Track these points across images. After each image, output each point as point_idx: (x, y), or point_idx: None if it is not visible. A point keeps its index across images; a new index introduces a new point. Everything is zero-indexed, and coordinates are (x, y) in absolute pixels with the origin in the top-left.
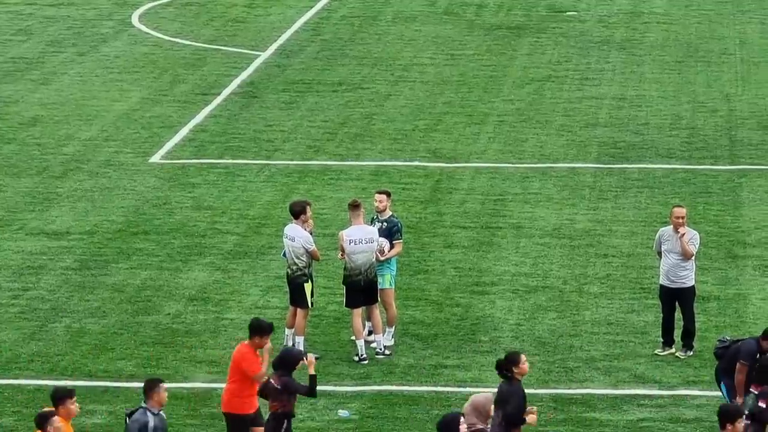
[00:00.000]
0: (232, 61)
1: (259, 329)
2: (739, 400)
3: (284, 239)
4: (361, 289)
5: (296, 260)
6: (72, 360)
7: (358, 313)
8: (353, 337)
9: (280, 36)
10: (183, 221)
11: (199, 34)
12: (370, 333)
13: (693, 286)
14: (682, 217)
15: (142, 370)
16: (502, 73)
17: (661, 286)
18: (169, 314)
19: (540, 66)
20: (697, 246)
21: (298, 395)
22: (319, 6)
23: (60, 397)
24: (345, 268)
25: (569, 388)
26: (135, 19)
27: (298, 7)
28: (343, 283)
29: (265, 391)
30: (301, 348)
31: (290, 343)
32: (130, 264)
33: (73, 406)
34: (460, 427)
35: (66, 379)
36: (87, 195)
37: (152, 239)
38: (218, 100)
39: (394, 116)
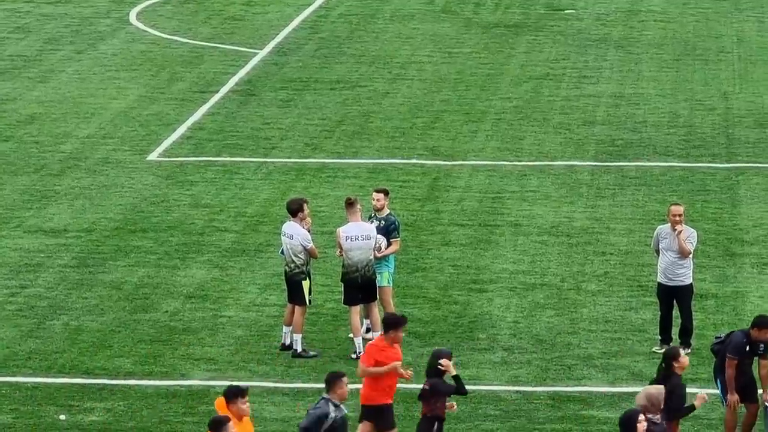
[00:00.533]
0: (230, 59)
1: (394, 323)
2: (729, 396)
3: (282, 237)
4: (359, 287)
5: (294, 258)
6: (70, 357)
7: (356, 310)
8: (351, 335)
9: (277, 34)
10: (181, 219)
11: (197, 32)
12: (368, 330)
13: (691, 284)
14: (680, 215)
15: (140, 367)
16: (499, 71)
17: (659, 284)
18: (167, 312)
19: (538, 64)
20: (694, 244)
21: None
22: (316, 4)
23: (231, 396)
24: (343, 266)
25: (567, 386)
26: (132, 17)
27: (296, 5)
28: (341, 281)
29: (421, 395)
30: (299, 346)
31: (288, 341)
32: (128, 262)
33: (245, 405)
34: (638, 425)
35: (63, 377)
36: (85, 193)
37: (150, 237)
38: (216, 98)
39: (392, 114)
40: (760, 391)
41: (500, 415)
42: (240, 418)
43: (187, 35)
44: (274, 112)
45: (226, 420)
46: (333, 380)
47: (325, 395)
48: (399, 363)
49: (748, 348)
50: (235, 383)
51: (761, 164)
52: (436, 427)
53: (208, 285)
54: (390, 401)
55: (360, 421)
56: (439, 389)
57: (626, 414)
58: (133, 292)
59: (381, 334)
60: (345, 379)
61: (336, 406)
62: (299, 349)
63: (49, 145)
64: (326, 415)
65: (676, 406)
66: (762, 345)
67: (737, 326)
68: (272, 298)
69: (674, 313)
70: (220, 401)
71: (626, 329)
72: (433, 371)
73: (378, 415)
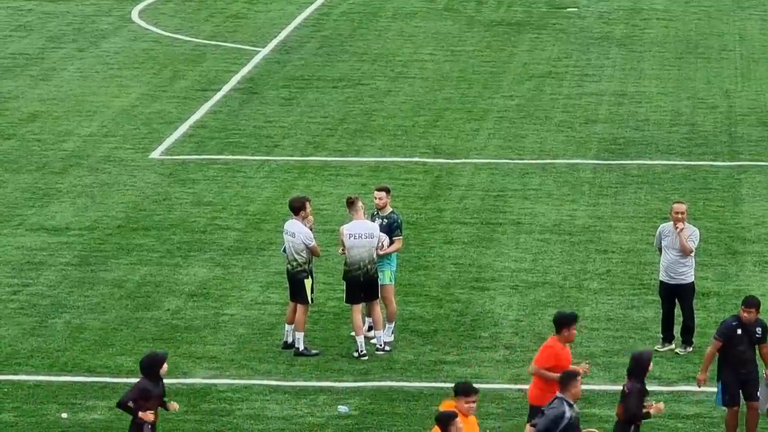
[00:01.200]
0: (232, 57)
1: (564, 321)
2: (699, 375)
3: (284, 235)
4: (361, 285)
5: (296, 256)
6: (72, 356)
7: (358, 308)
8: (353, 333)
9: (280, 32)
10: (183, 217)
11: (199, 30)
12: (370, 329)
13: (692, 283)
14: (682, 213)
15: None
16: (501, 69)
17: (661, 282)
18: (168, 310)
19: (540, 62)
20: (696, 242)
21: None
22: (319, 2)
23: (460, 393)
24: (345, 264)
25: None
26: (135, 15)
27: (298, 3)
28: (343, 279)
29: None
30: (301, 345)
31: (290, 339)
32: (130, 260)
33: (469, 404)
34: None
35: (66, 375)
36: (87, 191)
37: (152, 235)
38: (218, 96)
39: (394, 112)
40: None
41: (502, 413)
42: (466, 415)
43: (190, 33)
44: (276, 110)
45: (454, 415)
46: (568, 379)
47: (559, 395)
48: (587, 367)
49: (740, 331)
50: (455, 383)
51: (763, 162)
52: (632, 430)
53: (210, 283)
54: None
55: (528, 420)
56: (641, 394)
57: None
58: (135, 290)
59: (554, 335)
60: (579, 378)
61: (570, 405)
62: (301, 348)
63: (51, 143)
64: (562, 415)
65: None
66: (760, 329)
67: None
68: (274, 296)
69: (676, 312)
70: (446, 403)
71: (628, 327)
72: (635, 370)
73: None
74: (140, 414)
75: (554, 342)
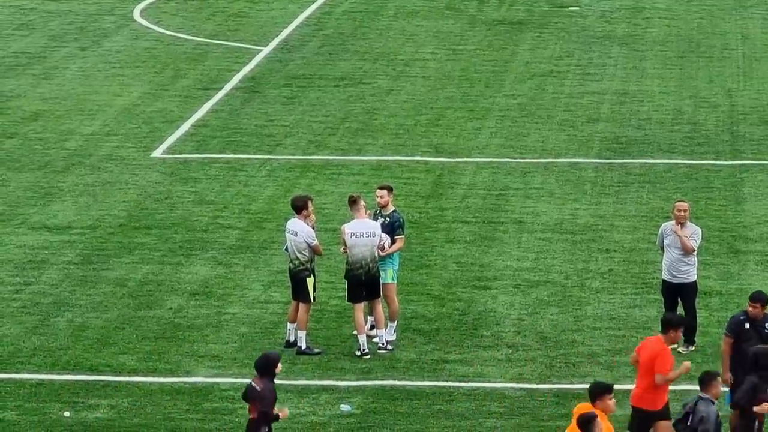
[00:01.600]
0: (234, 56)
1: (673, 323)
2: (724, 376)
3: (286, 234)
4: (363, 283)
5: (298, 255)
6: (74, 354)
7: (360, 307)
8: (355, 332)
9: (281, 31)
10: (185, 216)
11: (201, 29)
12: (372, 327)
13: (695, 282)
14: (684, 210)
15: (144, 364)
16: (503, 68)
17: (663, 281)
18: (171, 309)
19: (542, 61)
20: (698, 242)
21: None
22: (320, 1)
23: (599, 392)
24: (347, 262)
25: (571, 383)
26: (137, 14)
27: (300, 2)
28: (345, 278)
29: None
30: (303, 343)
31: (292, 338)
32: (132, 258)
33: (611, 401)
34: None
35: (68, 374)
36: (89, 189)
37: (154, 234)
38: (220, 94)
39: (396, 111)
40: None
41: (504, 412)
42: (605, 413)
43: (191, 32)
44: (278, 109)
45: (594, 416)
46: (710, 379)
47: (703, 395)
48: (688, 364)
49: (748, 325)
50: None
51: (765, 161)
52: (756, 426)
53: (212, 282)
54: (662, 405)
55: (639, 423)
56: (758, 389)
57: None
58: (137, 289)
59: (660, 335)
60: (719, 378)
61: (714, 403)
62: (303, 346)
63: (53, 142)
64: (717, 414)
65: None
66: None
67: None
68: (276, 295)
69: (679, 311)
70: (579, 407)
71: (630, 326)
72: (756, 367)
73: (647, 420)
74: (280, 415)
75: (661, 344)
